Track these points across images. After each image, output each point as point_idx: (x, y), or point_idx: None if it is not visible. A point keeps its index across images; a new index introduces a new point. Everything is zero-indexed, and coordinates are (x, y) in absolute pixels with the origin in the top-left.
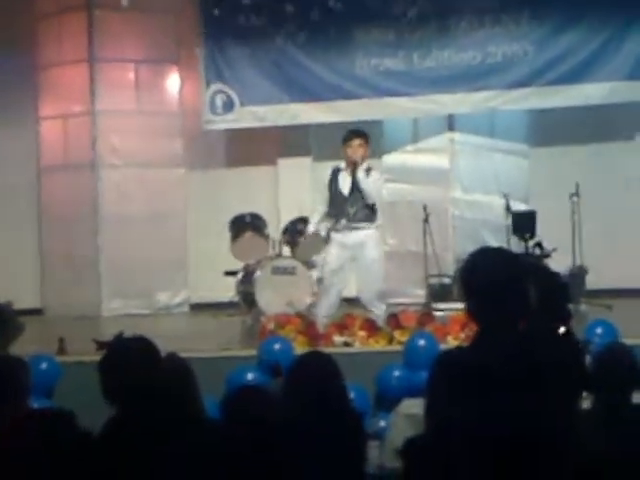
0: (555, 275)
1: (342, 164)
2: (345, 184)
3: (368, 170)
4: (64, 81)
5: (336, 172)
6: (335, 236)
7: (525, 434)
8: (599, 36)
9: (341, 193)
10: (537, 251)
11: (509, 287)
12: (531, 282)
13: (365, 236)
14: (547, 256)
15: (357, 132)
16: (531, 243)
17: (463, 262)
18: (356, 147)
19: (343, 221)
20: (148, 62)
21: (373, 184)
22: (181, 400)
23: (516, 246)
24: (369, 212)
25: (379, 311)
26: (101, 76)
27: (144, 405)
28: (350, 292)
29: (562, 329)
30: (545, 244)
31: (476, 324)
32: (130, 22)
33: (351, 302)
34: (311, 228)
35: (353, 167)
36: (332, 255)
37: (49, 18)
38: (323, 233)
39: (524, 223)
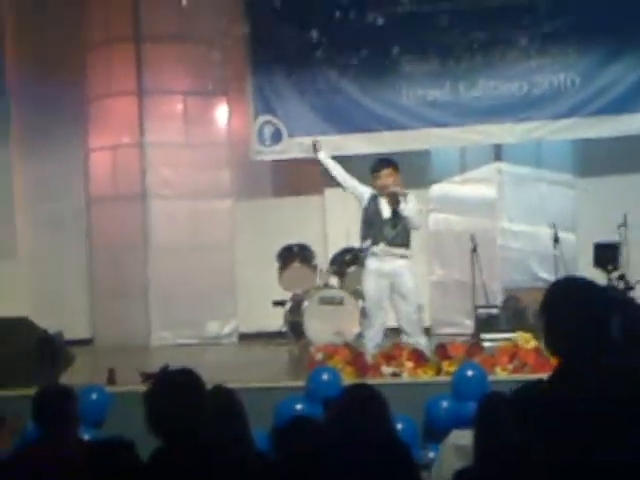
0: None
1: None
2: (385, 208)
3: (405, 196)
4: (113, 112)
5: (375, 197)
6: (371, 263)
7: (612, 468)
8: None
9: (380, 216)
10: (621, 284)
11: (594, 320)
12: (616, 315)
13: (400, 266)
14: (631, 289)
15: (385, 162)
16: (614, 275)
17: (545, 292)
18: (385, 177)
19: (382, 244)
20: (196, 94)
21: (414, 210)
22: (227, 431)
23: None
24: (407, 237)
25: (422, 343)
26: (150, 108)
27: (188, 437)
28: (392, 321)
29: None
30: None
31: (557, 358)
32: (178, 53)
33: (397, 331)
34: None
35: (393, 199)
36: (370, 285)
37: (98, 50)
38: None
39: (607, 254)
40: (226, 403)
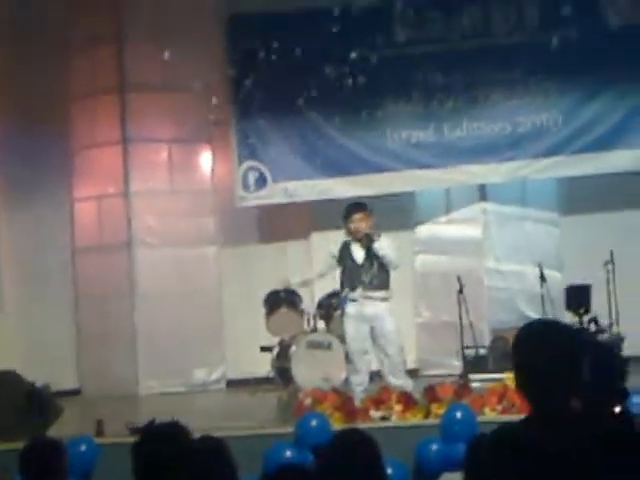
0: (612, 352)
1: (346, 238)
2: (359, 254)
3: (378, 237)
4: (98, 163)
5: (347, 244)
6: (350, 309)
7: None
8: (626, 104)
9: (354, 262)
10: (592, 326)
11: (563, 363)
12: (586, 358)
13: (381, 310)
14: (603, 332)
15: (356, 206)
16: (586, 318)
17: (516, 334)
18: (357, 221)
19: (359, 289)
20: (180, 142)
21: (389, 249)
22: None
23: (556, 316)
24: (384, 278)
25: (407, 385)
26: (135, 157)
27: None
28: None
29: (617, 409)
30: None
31: (526, 401)
32: (162, 103)
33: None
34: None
35: (366, 239)
36: (350, 330)
37: (83, 100)
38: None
39: (578, 297)
40: (213, 453)
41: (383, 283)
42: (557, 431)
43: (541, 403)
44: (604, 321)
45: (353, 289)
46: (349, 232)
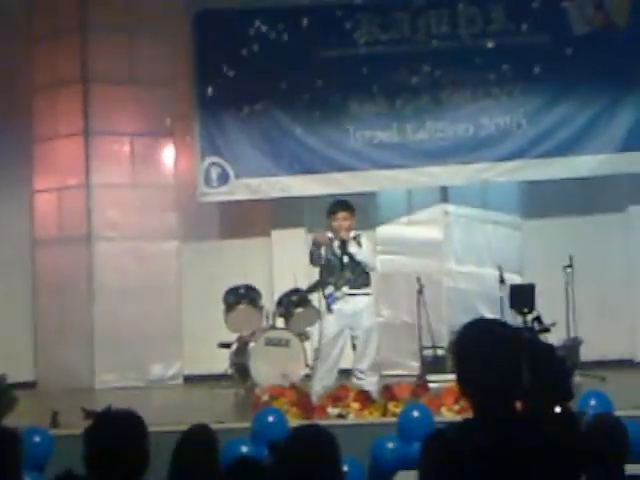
0: (553, 351)
1: (330, 234)
2: (341, 255)
3: (357, 238)
4: (59, 154)
5: (330, 241)
6: (334, 306)
7: None
8: (590, 109)
9: (338, 261)
10: (536, 325)
11: (502, 363)
12: (527, 358)
13: (363, 304)
14: (546, 330)
15: (342, 205)
16: (529, 317)
17: (455, 334)
18: (341, 220)
19: (344, 288)
20: (143, 135)
21: (367, 251)
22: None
23: (512, 319)
24: (366, 278)
25: (372, 384)
26: (96, 149)
27: (123, 471)
28: (345, 363)
29: (558, 409)
30: (544, 318)
31: (468, 401)
32: (125, 95)
33: (345, 373)
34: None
35: (342, 242)
36: (330, 324)
37: (45, 91)
38: (316, 304)
39: (522, 296)
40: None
41: (366, 281)
42: (497, 433)
43: (482, 404)
44: (548, 321)
45: (338, 287)
46: (331, 229)
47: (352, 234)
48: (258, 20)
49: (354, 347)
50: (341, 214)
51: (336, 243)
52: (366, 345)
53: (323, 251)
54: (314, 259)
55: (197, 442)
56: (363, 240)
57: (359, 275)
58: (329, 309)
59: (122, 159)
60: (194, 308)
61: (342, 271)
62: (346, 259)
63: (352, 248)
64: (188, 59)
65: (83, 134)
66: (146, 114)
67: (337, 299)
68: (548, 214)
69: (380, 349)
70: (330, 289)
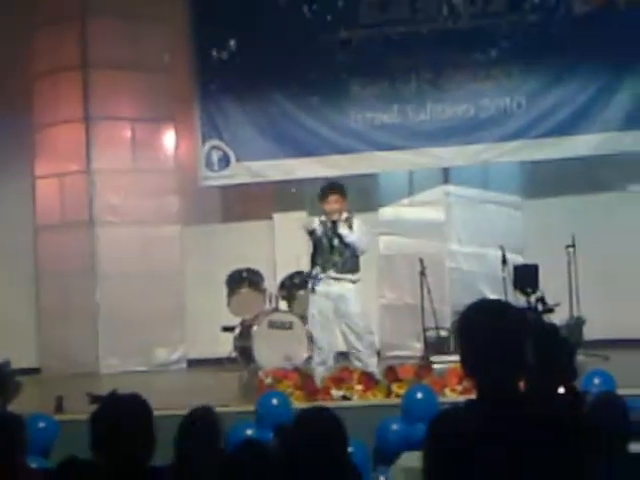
0: (556, 331)
1: (323, 217)
2: (332, 236)
3: (348, 220)
4: (60, 140)
5: (324, 224)
6: (318, 288)
7: None
8: (589, 89)
9: (328, 243)
10: (539, 306)
11: (506, 344)
12: (530, 338)
13: (347, 290)
14: (550, 311)
15: (332, 188)
16: (533, 298)
17: (459, 315)
18: (332, 203)
19: (331, 271)
20: (144, 120)
21: (359, 233)
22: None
23: (515, 299)
24: (355, 262)
25: (372, 365)
26: (97, 135)
27: (132, 462)
28: (343, 346)
29: (561, 389)
30: (547, 298)
31: (472, 381)
32: (125, 80)
33: (343, 355)
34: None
35: (332, 223)
36: (314, 308)
37: (45, 77)
38: (309, 285)
39: (526, 277)
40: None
41: (354, 266)
42: (502, 414)
43: (486, 386)
44: (551, 301)
45: (324, 270)
46: (323, 212)
47: (344, 215)
48: (259, 3)
49: (343, 332)
50: (332, 197)
51: (327, 227)
52: (357, 329)
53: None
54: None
55: (200, 424)
56: (355, 222)
57: (348, 259)
58: (312, 290)
59: (123, 144)
60: (197, 292)
61: (331, 254)
62: (336, 241)
63: (343, 230)
64: (188, 44)
65: (83, 120)
66: (146, 99)
67: (320, 280)
68: (549, 194)
69: (382, 331)
70: (317, 269)
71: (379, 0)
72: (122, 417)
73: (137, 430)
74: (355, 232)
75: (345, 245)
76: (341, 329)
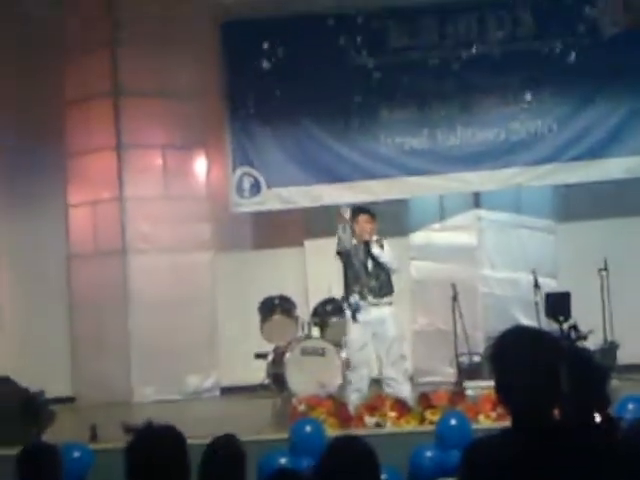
0: (590, 358)
1: (354, 240)
2: (365, 259)
3: (379, 241)
4: (92, 168)
5: (356, 249)
6: (359, 315)
7: None
8: (620, 111)
9: (361, 267)
10: (572, 333)
11: (541, 372)
12: (565, 366)
13: (386, 314)
14: (583, 338)
15: (362, 209)
16: (566, 325)
17: (493, 342)
18: (363, 223)
19: (370, 297)
20: (175, 147)
21: (390, 253)
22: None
23: (548, 325)
24: (390, 284)
25: (405, 391)
26: (129, 162)
27: None
28: (375, 372)
29: (598, 418)
30: (579, 322)
31: (508, 410)
32: (156, 108)
33: (379, 383)
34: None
35: (365, 244)
36: (354, 333)
37: (76, 105)
38: (348, 313)
39: (558, 305)
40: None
41: (390, 289)
42: (536, 442)
43: (521, 414)
44: (584, 327)
45: (362, 296)
46: (354, 234)
47: (375, 237)
48: (286, 29)
49: (380, 357)
50: (362, 217)
51: (360, 251)
52: (393, 354)
53: (342, 232)
54: (338, 244)
55: (222, 453)
56: (385, 243)
57: (384, 283)
58: (354, 318)
59: (154, 171)
60: (229, 319)
61: (367, 278)
62: (370, 265)
63: (375, 249)
64: (217, 70)
65: (115, 147)
66: (177, 126)
67: (361, 308)
68: (582, 217)
69: (414, 357)
70: (355, 297)
71: (408, 26)
72: (157, 448)
73: (171, 461)
74: (386, 252)
75: (379, 267)
76: (378, 354)
